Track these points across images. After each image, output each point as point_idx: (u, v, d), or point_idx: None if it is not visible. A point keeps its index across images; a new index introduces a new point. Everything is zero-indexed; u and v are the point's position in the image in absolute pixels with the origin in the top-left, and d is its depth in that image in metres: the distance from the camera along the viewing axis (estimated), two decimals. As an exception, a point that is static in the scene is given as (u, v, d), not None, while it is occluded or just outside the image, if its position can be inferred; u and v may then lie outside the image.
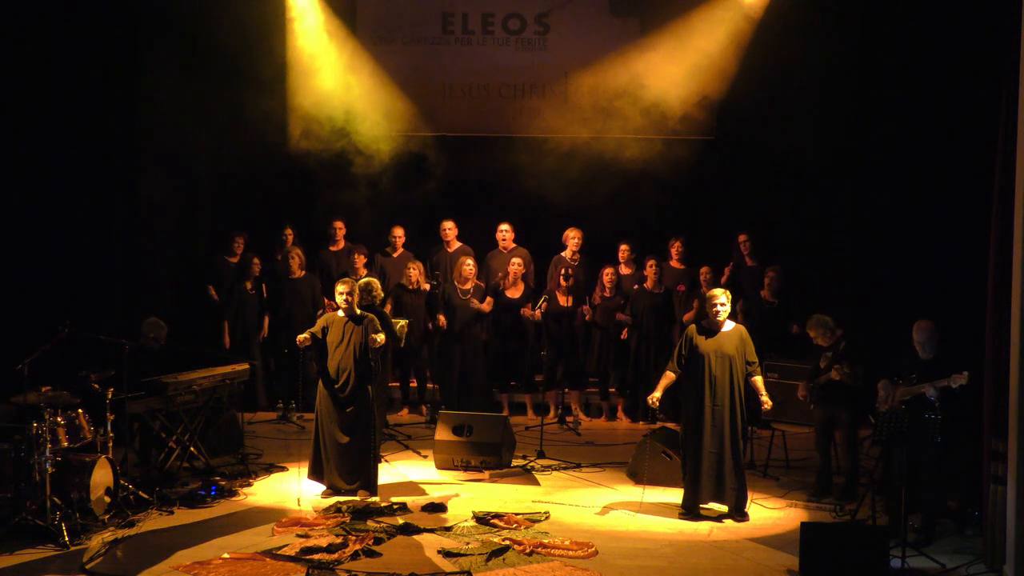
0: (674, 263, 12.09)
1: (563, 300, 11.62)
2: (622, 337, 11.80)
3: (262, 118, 12.30)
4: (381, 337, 8.94)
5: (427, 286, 11.78)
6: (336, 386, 9.02)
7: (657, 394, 8.68)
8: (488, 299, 11.75)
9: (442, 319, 11.69)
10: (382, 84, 12.91)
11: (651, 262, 11.72)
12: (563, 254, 12.11)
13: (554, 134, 12.74)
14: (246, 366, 10.14)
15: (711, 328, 8.59)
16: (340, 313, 9.10)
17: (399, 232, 12.38)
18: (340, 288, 9.08)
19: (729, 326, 8.61)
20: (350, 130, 12.65)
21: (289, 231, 12.42)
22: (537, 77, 13.08)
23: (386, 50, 13.03)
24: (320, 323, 9.16)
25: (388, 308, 11.47)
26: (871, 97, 12.00)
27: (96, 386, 8.77)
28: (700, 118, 12.69)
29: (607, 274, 11.84)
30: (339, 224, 12.49)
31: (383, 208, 12.60)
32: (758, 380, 8.60)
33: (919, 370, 8.25)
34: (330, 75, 12.82)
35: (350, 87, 12.80)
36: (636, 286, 11.87)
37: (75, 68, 11.06)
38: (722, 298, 8.58)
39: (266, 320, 12.08)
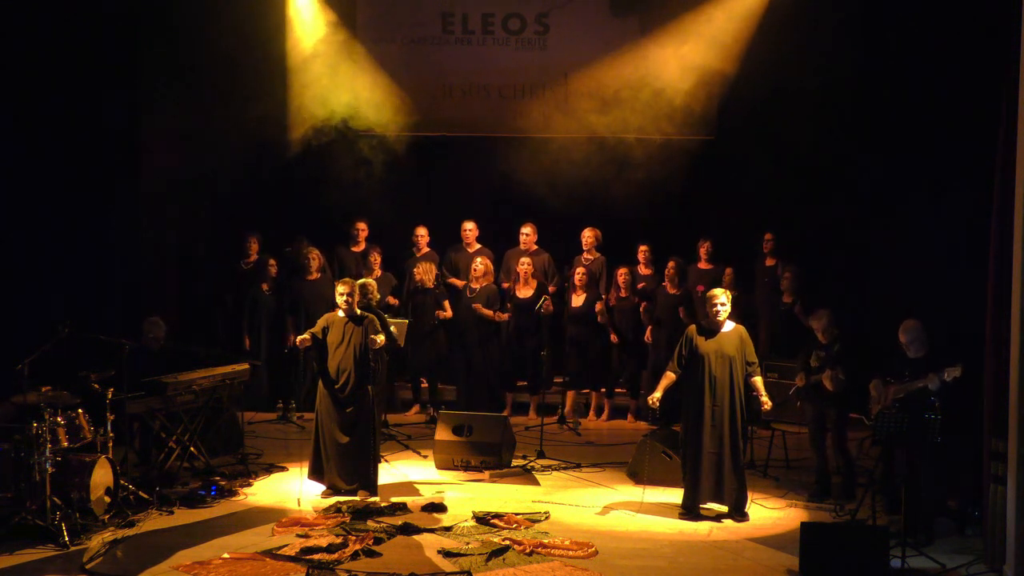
0: (702, 264, 12.06)
1: (576, 301, 11.62)
2: (646, 339, 11.75)
3: (262, 118, 12.29)
4: (381, 338, 8.95)
5: (431, 284, 11.77)
6: (336, 386, 9.02)
7: (657, 394, 8.67)
8: (500, 314, 11.64)
9: (443, 313, 11.68)
10: (382, 84, 12.89)
11: (672, 263, 11.66)
12: (581, 255, 12.09)
13: (554, 134, 12.73)
14: (246, 366, 10.13)
15: (711, 328, 8.59)
16: (340, 313, 9.11)
17: (422, 232, 12.28)
18: (340, 289, 9.08)
19: (729, 326, 8.60)
20: (350, 130, 12.64)
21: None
22: (537, 77, 13.05)
23: (386, 50, 13.00)
24: (320, 323, 9.17)
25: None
26: (871, 97, 11.99)
27: (96, 386, 8.77)
28: (701, 117, 12.67)
29: (621, 275, 11.80)
30: (361, 225, 12.39)
31: (383, 208, 12.58)
32: (758, 380, 8.60)
33: (910, 369, 8.25)
34: (330, 75, 12.80)
35: (350, 87, 12.78)
36: (650, 286, 11.82)
37: (75, 69, 11.04)
38: (722, 298, 8.58)
39: (289, 322, 11.88)
